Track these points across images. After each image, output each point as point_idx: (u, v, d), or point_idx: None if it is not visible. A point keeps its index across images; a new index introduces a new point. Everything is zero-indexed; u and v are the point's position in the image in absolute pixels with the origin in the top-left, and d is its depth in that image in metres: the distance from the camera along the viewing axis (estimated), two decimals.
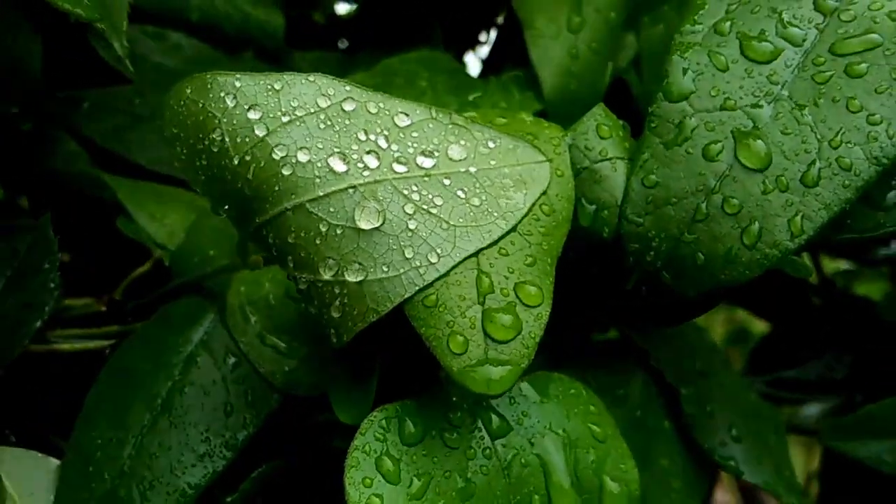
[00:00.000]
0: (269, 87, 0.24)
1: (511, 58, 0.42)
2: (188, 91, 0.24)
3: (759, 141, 0.25)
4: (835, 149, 0.25)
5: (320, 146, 0.23)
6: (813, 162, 0.25)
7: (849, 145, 0.25)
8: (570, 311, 0.28)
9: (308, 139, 0.23)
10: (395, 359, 0.27)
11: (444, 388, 0.25)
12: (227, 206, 0.24)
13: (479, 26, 0.49)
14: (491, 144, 0.26)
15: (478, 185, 0.25)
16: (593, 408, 0.27)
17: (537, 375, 0.26)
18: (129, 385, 0.28)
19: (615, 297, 0.27)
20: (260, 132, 0.23)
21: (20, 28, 0.39)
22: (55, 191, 0.39)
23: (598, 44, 0.36)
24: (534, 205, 0.25)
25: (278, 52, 0.49)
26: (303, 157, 0.23)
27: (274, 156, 0.23)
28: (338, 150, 0.23)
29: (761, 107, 0.26)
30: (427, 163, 0.24)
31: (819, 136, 0.25)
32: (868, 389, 0.51)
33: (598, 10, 0.37)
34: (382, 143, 0.24)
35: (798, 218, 0.24)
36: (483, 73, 0.48)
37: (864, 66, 0.26)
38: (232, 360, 0.29)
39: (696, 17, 0.28)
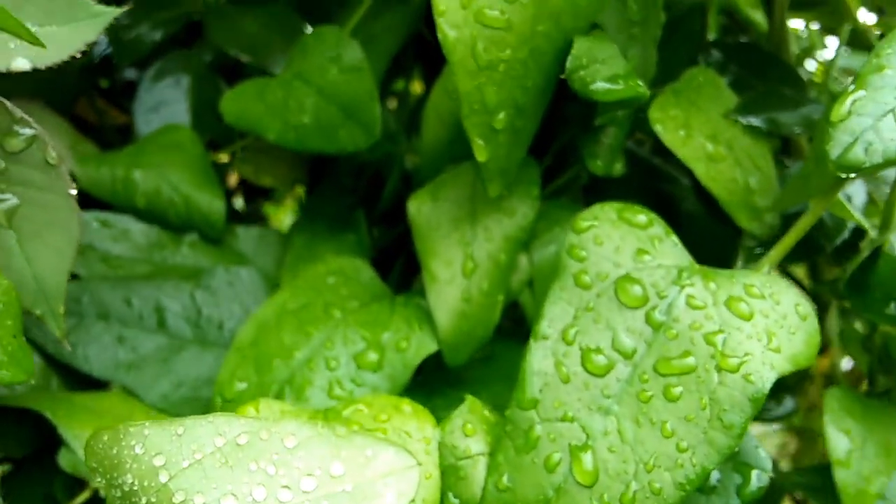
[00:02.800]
0: (174, 433, 0.28)
1: None
2: (105, 438, 0.28)
3: (590, 456, 0.30)
4: (649, 472, 0.30)
5: (215, 487, 0.28)
6: (630, 483, 0.30)
7: (660, 470, 0.30)
8: None
9: (204, 482, 0.28)
10: None
11: None
12: None
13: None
14: (369, 453, 0.31)
15: (353, 501, 0.29)
16: None
17: None
18: None
19: None
20: (163, 478, 0.28)
21: None
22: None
23: (489, 285, 0.41)
24: None
25: (221, 233, 0.53)
26: (199, 500, 0.28)
27: (174, 500, 0.28)
28: (230, 488, 0.28)
29: (594, 420, 0.31)
30: (310, 485, 0.29)
31: (637, 458, 0.30)
32: None
33: (490, 255, 0.41)
34: (271, 469, 0.29)
35: None
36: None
37: (679, 389, 0.31)
38: None
39: (548, 322, 0.33)
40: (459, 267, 0.41)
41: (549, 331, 0.33)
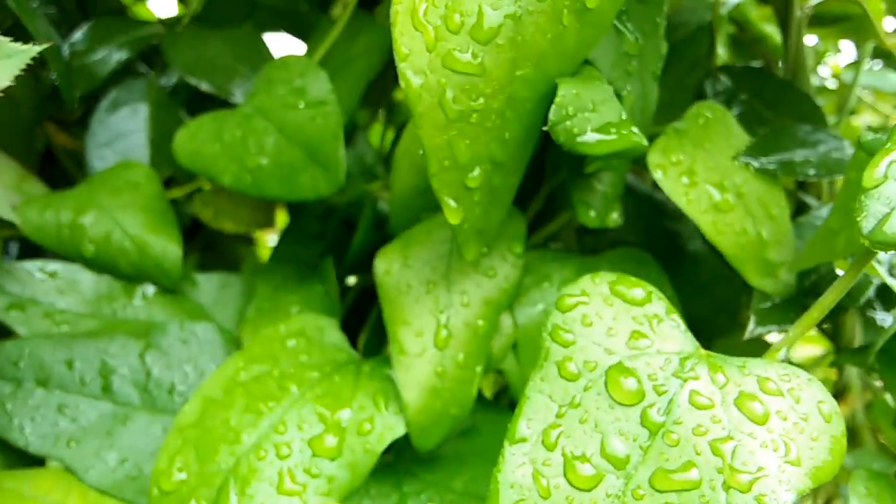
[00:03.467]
0: None
1: None
2: None
3: None
4: None
5: None
6: None
7: None
8: None
9: None
10: None
11: None
12: None
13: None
14: None
15: None
16: None
17: None
18: None
19: None
20: None
21: None
22: None
23: (466, 356, 0.36)
24: None
25: (176, 282, 0.48)
26: None
27: None
28: None
29: None
30: None
31: None
32: None
33: (467, 323, 0.36)
34: None
35: None
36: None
37: None
38: None
39: (525, 421, 0.28)
40: (432, 337, 0.36)
41: (528, 432, 0.28)
